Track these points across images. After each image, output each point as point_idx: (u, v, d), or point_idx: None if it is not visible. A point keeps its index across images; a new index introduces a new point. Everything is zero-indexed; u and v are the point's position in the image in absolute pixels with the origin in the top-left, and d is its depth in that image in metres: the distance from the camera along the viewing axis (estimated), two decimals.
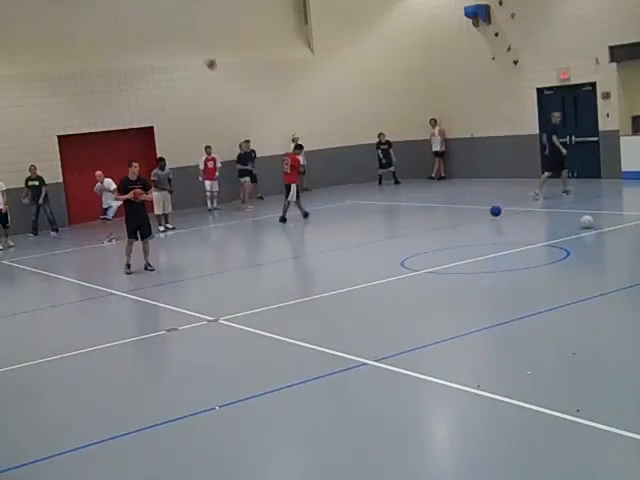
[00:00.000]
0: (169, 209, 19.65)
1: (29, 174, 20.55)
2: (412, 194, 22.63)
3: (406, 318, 9.65)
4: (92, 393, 8.03)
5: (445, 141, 24.97)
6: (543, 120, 21.99)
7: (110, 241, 18.16)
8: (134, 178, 14.06)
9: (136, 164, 14.24)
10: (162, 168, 19.67)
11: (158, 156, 21.05)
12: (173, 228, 19.60)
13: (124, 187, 14.05)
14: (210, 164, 22.59)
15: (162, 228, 19.43)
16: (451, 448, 6.17)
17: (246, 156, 22.95)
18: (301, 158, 24.20)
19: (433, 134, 25.06)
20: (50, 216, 20.77)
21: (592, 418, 5.99)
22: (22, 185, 20.68)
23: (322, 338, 8.86)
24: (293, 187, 18.62)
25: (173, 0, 23.38)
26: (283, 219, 18.80)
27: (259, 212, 21.59)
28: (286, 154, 20.33)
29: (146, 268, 14.16)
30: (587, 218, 13.92)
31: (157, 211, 19.44)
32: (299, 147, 20.18)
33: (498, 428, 6.25)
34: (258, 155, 24.01)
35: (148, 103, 22.84)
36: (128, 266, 14.06)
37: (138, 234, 14.11)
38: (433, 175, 25.25)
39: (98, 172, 18.73)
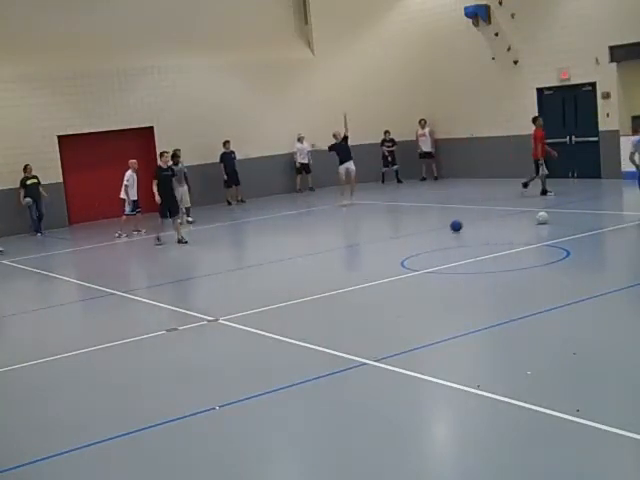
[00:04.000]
0: (188, 203, 19.93)
1: (25, 174, 20.50)
2: (413, 194, 22.63)
3: (406, 318, 9.64)
4: (92, 393, 8.03)
5: (435, 141, 25.00)
6: (544, 120, 22.01)
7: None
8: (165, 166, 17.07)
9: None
10: (177, 163, 19.80)
11: (173, 151, 20.69)
12: (193, 221, 19.98)
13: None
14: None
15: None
16: (451, 448, 6.17)
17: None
18: (306, 155, 24.28)
19: (423, 134, 25.04)
20: (42, 216, 20.86)
21: (592, 418, 5.98)
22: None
23: (322, 338, 8.85)
24: (540, 161, 18.72)
25: (173, 0, 23.38)
26: (544, 192, 18.83)
27: (259, 212, 21.57)
28: None
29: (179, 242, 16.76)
30: (542, 214, 14.77)
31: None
32: (535, 119, 19.52)
33: (498, 428, 6.24)
34: (257, 155, 24.06)
35: (148, 103, 22.83)
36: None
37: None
38: (425, 176, 25.28)
39: None
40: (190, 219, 20.01)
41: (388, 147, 25.35)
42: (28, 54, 21.31)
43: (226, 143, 23.31)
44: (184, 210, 19.65)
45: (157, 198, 16.77)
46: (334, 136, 21.12)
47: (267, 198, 23.91)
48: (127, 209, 18.99)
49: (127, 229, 19.10)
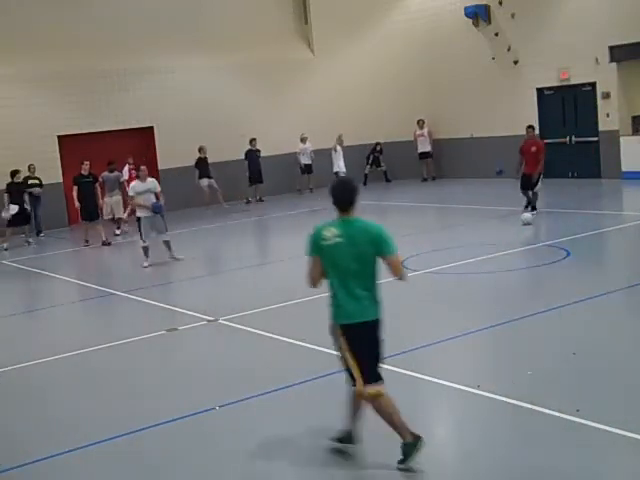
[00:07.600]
0: (120, 214, 19.23)
1: (28, 173, 20.24)
2: (412, 194, 22.62)
3: (406, 318, 9.63)
4: (92, 393, 8.03)
5: (432, 142, 25.03)
6: (543, 120, 22.01)
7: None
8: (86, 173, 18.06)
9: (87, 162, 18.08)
10: (111, 171, 19.22)
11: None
12: (119, 235, 19.30)
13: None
14: (134, 173, 20.15)
15: (118, 232, 19.38)
16: (451, 448, 6.17)
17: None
18: (309, 155, 24.33)
19: (422, 135, 24.97)
20: (39, 218, 20.54)
21: (592, 418, 5.99)
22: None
23: (322, 338, 8.82)
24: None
25: (173, 0, 23.38)
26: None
27: (258, 212, 21.55)
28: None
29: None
30: (526, 215, 15.05)
31: (105, 216, 19.04)
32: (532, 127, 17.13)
33: (498, 428, 6.24)
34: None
35: (148, 103, 22.83)
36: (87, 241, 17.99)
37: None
38: (426, 176, 25.29)
39: None
40: (117, 232, 19.28)
41: (375, 156, 25.72)
42: (28, 54, 21.30)
43: (252, 141, 23.37)
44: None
45: (76, 204, 18.03)
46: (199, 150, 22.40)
47: (267, 198, 23.88)
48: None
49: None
